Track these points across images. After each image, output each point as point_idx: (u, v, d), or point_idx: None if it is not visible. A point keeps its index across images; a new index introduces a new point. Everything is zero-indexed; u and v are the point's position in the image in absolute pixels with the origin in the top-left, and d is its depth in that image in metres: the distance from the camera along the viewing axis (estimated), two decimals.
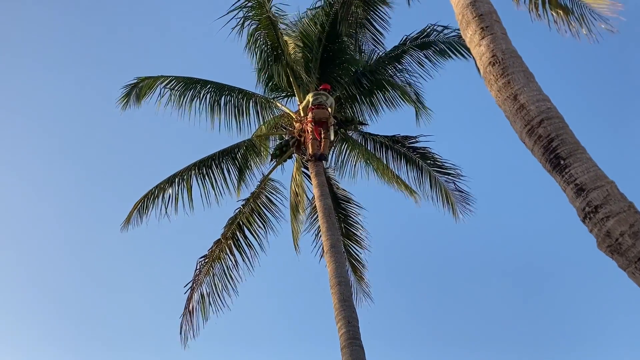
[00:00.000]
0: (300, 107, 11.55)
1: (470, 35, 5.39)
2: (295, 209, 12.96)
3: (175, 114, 11.91)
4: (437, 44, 12.18)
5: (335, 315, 8.76)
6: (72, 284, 23.62)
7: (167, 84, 11.98)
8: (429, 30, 12.24)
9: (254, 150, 12.07)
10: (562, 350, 20.04)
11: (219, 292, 11.35)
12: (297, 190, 12.88)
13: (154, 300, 22.83)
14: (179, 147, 22.07)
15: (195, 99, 11.91)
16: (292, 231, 13.06)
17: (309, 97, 11.02)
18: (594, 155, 4.51)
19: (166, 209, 11.46)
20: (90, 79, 23.93)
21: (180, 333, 11.17)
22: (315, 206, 11.41)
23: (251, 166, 12.19)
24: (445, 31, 12.17)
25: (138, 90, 12.06)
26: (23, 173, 24.28)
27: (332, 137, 10.79)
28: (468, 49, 11.72)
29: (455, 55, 12.04)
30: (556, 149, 4.54)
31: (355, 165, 12.65)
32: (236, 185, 12.09)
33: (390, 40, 12.64)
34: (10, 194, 23.66)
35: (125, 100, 12.12)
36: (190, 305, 11.23)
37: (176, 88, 11.93)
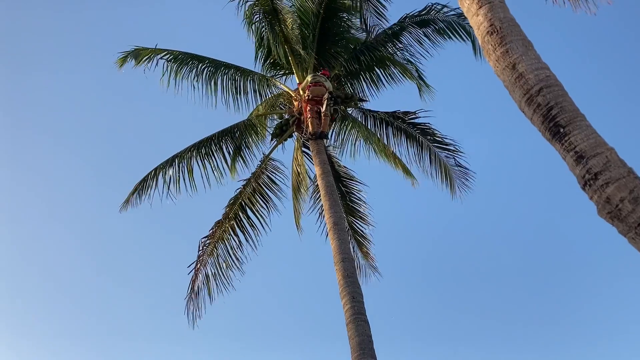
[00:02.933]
0: (300, 87, 11.51)
1: (468, 5, 5.32)
2: (297, 190, 12.96)
3: (172, 92, 11.73)
4: (436, 22, 12.19)
5: (339, 291, 8.80)
6: (74, 270, 23.74)
7: (163, 56, 11.77)
8: (428, 8, 12.23)
9: (254, 129, 12.02)
10: (565, 329, 20.15)
11: (224, 272, 11.41)
12: (298, 169, 12.86)
13: (160, 288, 22.97)
14: (177, 129, 22.02)
15: (192, 75, 11.76)
16: (294, 212, 13.08)
17: (308, 78, 11.08)
18: (594, 122, 4.49)
19: (168, 188, 11.37)
20: (85, 62, 23.78)
21: (187, 314, 11.24)
22: (317, 185, 11.42)
23: (251, 146, 12.15)
24: (445, 9, 12.17)
25: (134, 56, 11.77)
26: (25, 162, 24.27)
27: (323, 109, 10.75)
28: (467, 31, 11.81)
29: (455, 36, 12.07)
30: (555, 117, 4.50)
31: (355, 143, 12.65)
32: (235, 166, 12.01)
33: (393, 17, 12.64)
34: (14, 184, 23.69)
35: (122, 62, 11.81)
36: (195, 286, 11.29)
37: (173, 62, 11.73)
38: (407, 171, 12.48)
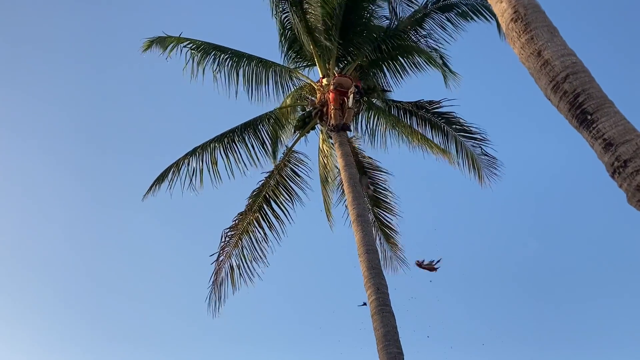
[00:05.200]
0: (324, 80, 11.47)
1: None
2: (325, 181, 12.94)
3: (194, 82, 11.62)
4: (459, 5, 12.06)
5: (364, 283, 8.82)
6: (77, 271, 23.97)
7: (186, 45, 11.68)
8: None
9: (277, 122, 11.99)
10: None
11: (248, 264, 11.47)
12: (325, 161, 12.83)
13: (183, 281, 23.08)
14: (198, 121, 22.04)
15: (215, 65, 11.66)
16: (324, 202, 13.04)
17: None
18: (622, 108, 4.36)
19: (191, 180, 11.31)
20: (100, 53, 23.96)
21: (208, 304, 11.35)
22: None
23: (274, 138, 12.12)
24: None
25: (160, 43, 11.72)
26: (24, 159, 24.55)
27: (350, 104, 10.70)
28: (491, 10, 11.60)
29: (478, 17, 11.92)
30: (582, 104, 4.40)
31: (384, 133, 12.51)
32: (258, 158, 11.89)
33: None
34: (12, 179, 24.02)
35: (147, 46, 11.75)
36: (219, 277, 11.38)
37: (196, 51, 11.63)
38: (441, 150, 12.15)
